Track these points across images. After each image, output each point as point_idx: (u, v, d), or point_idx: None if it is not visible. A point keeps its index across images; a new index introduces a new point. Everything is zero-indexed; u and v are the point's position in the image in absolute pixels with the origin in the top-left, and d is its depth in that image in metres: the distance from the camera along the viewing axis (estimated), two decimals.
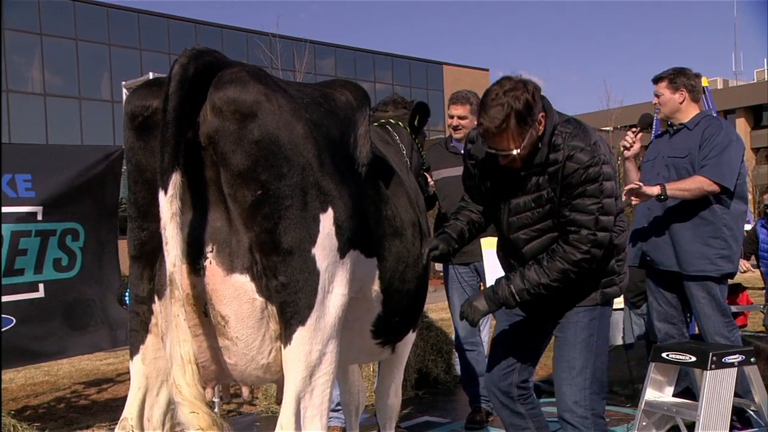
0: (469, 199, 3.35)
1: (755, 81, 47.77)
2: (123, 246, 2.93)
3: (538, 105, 2.83)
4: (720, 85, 46.28)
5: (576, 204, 2.88)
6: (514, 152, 2.83)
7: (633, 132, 4.61)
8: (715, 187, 4.26)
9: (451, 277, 5.03)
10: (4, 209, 5.02)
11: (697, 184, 4.26)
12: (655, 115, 4.79)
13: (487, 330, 6.42)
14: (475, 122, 5.00)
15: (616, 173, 3.04)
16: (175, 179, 2.17)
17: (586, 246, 2.88)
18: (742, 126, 41.00)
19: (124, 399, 2.51)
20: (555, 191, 2.91)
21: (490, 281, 4.77)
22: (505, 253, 3.25)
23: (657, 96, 4.59)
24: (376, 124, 3.94)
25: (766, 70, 48.60)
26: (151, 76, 5.42)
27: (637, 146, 4.59)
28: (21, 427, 4.62)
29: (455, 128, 5.04)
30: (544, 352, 3.43)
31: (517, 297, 2.99)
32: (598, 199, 2.87)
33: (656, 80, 4.61)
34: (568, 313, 3.13)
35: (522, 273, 2.98)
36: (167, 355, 2.21)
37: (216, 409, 5.74)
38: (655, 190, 4.19)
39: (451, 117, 5.04)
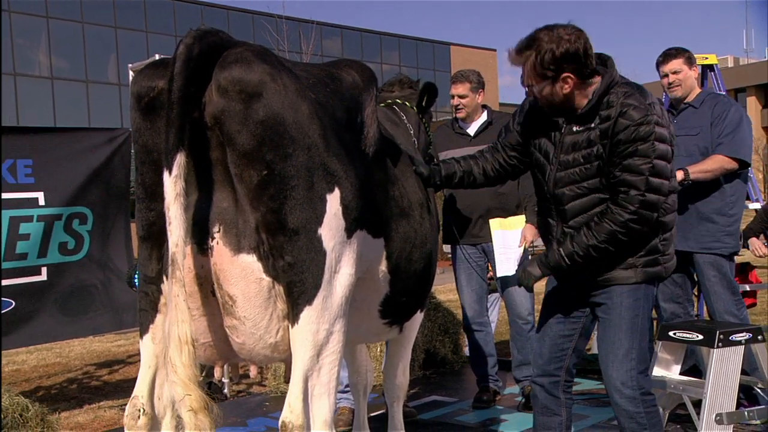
0: (498, 146, 3.30)
1: (767, 59, 47.25)
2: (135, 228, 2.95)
3: (562, 65, 2.81)
4: (731, 63, 45.84)
5: (626, 164, 2.83)
6: (528, 83, 2.90)
7: None
8: (734, 164, 4.29)
9: (459, 257, 5.04)
10: (3, 195, 5.05)
11: (718, 163, 4.27)
12: (664, 96, 4.73)
13: (496, 311, 6.44)
14: (478, 100, 5.01)
15: (674, 139, 2.97)
16: (180, 159, 2.18)
17: (634, 206, 2.84)
18: (753, 104, 40.64)
19: (134, 380, 2.53)
20: (605, 147, 2.87)
21: (499, 262, 4.78)
22: (544, 213, 3.20)
23: (674, 73, 4.49)
24: (383, 104, 3.94)
25: None
26: (157, 58, 5.43)
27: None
28: (33, 407, 4.68)
29: (456, 108, 4.98)
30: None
31: (566, 260, 2.97)
32: (648, 159, 2.81)
33: (668, 56, 4.51)
34: (612, 294, 3.07)
35: (572, 236, 2.97)
36: (165, 334, 2.24)
37: (225, 390, 5.80)
38: (678, 175, 4.18)
39: (452, 97, 4.99)
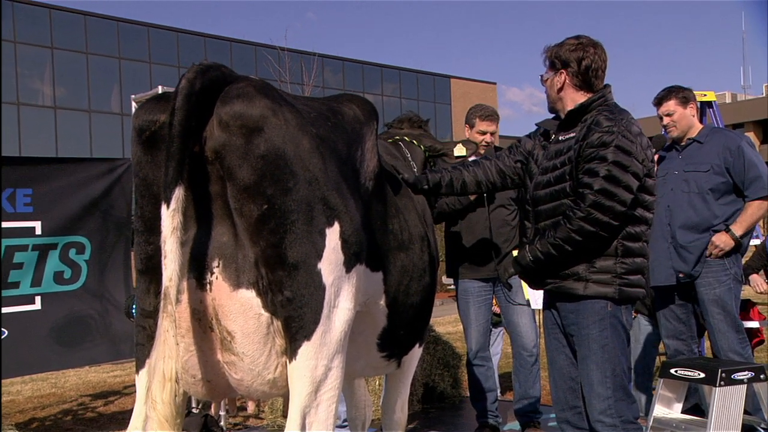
0: (501, 155, 3.53)
1: (764, 95, 47.65)
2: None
3: (564, 63, 3.19)
4: (728, 99, 46.21)
5: (587, 167, 3.04)
6: (543, 73, 3.31)
7: None
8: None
9: (468, 291, 4.97)
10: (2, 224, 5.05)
11: (756, 211, 4.37)
12: (665, 135, 4.77)
13: (500, 341, 6.39)
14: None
15: (648, 163, 3.12)
16: (178, 193, 2.18)
17: (585, 205, 3.00)
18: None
19: (131, 411, 2.51)
20: (575, 152, 3.09)
21: (531, 294, 4.75)
22: (524, 217, 3.46)
23: (668, 115, 4.56)
24: (390, 140, 3.96)
25: None
26: (160, 89, 5.46)
27: (656, 168, 4.59)
28: None
29: (488, 144, 4.87)
30: None
31: (530, 256, 3.16)
32: (606, 163, 2.99)
33: (661, 100, 4.59)
34: (580, 327, 3.16)
35: (539, 238, 3.16)
36: (151, 368, 2.22)
37: (222, 423, 5.73)
38: (728, 239, 4.35)
39: (483, 133, 4.88)
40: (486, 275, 4.87)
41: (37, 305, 5.33)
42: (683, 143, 4.58)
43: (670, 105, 4.54)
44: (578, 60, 3.17)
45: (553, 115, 3.40)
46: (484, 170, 3.50)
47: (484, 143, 4.88)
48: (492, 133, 4.93)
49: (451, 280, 5.29)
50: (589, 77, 3.19)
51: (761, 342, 5.94)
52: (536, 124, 3.46)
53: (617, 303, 3.13)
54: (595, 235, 3.03)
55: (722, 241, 4.34)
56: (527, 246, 3.21)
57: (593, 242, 3.05)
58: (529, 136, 3.51)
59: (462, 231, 4.89)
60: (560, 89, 3.23)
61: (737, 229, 4.34)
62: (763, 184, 4.36)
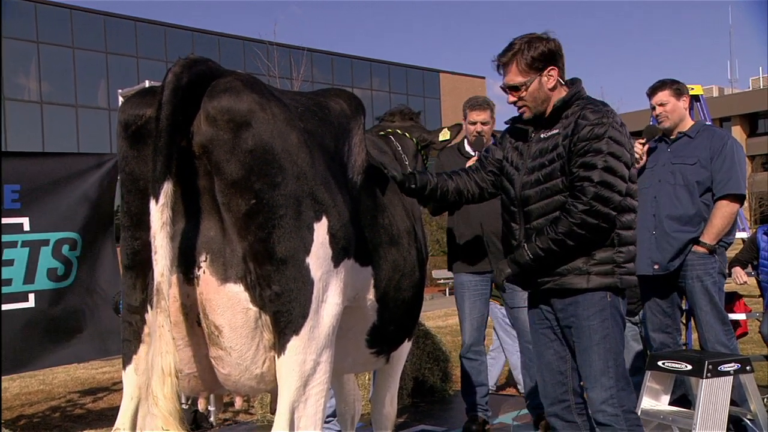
0: (477, 166, 3.48)
1: (751, 89, 48.02)
2: None
3: (549, 60, 3.12)
4: (716, 93, 46.52)
5: (582, 161, 3.02)
6: (517, 81, 3.13)
7: (640, 144, 4.61)
8: (736, 204, 4.41)
9: (462, 284, 4.97)
10: None
11: (724, 215, 4.39)
12: (652, 120, 4.79)
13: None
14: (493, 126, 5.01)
15: (633, 158, 3.15)
16: (167, 188, 2.16)
17: (586, 197, 2.99)
18: (738, 134, 41.20)
19: (119, 408, 2.49)
20: (565, 148, 3.07)
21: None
22: (507, 220, 3.34)
23: (661, 105, 4.57)
24: (382, 133, 3.96)
25: (761, 78, 48.86)
26: (147, 84, 5.43)
27: (645, 159, 4.61)
28: None
29: (479, 134, 4.86)
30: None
31: (530, 254, 3.10)
32: (602, 154, 2.99)
33: (655, 90, 4.60)
34: (579, 318, 3.15)
35: (536, 234, 3.12)
36: (148, 365, 2.21)
37: (211, 418, 5.72)
38: (705, 250, 4.40)
39: (473, 123, 4.89)
40: (481, 269, 4.87)
41: (31, 303, 5.29)
42: (673, 136, 4.60)
43: (665, 95, 4.56)
44: (561, 56, 3.16)
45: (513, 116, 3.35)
46: (464, 182, 3.46)
47: (476, 132, 4.91)
48: (484, 123, 4.91)
49: (441, 274, 5.30)
50: (563, 67, 3.20)
51: (744, 334, 5.99)
52: (506, 122, 3.42)
53: (617, 293, 3.15)
54: (597, 227, 3.03)
55: (701, 252, 4.43)
56: (524, 244, 3.16)
57: (594, 235, 3.05)
58: (495, 144, 3.49)
59: (459, 224, 4.89)
60: (552, 88, 3.16)
61: (707, 238, 4.40)
62: (731, 183, 4.37)
